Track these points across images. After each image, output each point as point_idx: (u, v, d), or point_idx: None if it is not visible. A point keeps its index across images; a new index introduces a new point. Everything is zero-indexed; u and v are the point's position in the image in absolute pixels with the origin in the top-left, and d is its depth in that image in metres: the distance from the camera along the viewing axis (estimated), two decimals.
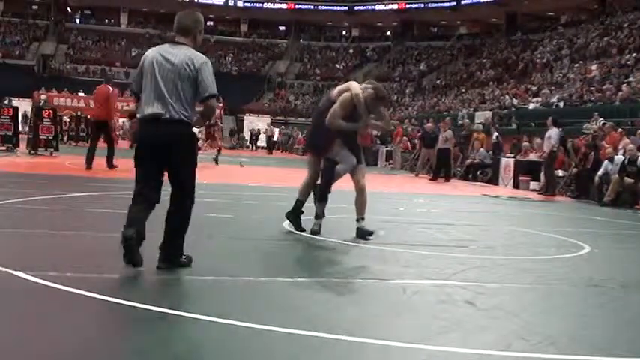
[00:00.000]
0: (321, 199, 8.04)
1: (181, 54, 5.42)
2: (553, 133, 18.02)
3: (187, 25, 5.59)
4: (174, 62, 5.38)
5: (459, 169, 24.33)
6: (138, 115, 5.60)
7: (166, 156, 5.40)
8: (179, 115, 5.35)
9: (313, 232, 7.90)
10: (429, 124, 25.45)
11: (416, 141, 27.55)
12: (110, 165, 16.10)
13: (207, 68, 5.43)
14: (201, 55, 5.50)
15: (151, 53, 5.58)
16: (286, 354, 3.74)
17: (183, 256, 5.57)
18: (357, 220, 8.03)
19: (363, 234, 7.87)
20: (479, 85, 45.22)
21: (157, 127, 5.38)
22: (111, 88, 16.84)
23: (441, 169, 22.57)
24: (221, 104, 23.90)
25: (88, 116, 36.63)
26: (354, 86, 7.99)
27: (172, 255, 5.49)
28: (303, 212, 8.19)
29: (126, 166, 17.86)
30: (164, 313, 4.28)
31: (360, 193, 8.08)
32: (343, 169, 7.96)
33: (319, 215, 8.01)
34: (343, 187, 8.18)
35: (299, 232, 8.02)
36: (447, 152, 22.59)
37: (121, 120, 37.02)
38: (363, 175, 8.14)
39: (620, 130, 19.40)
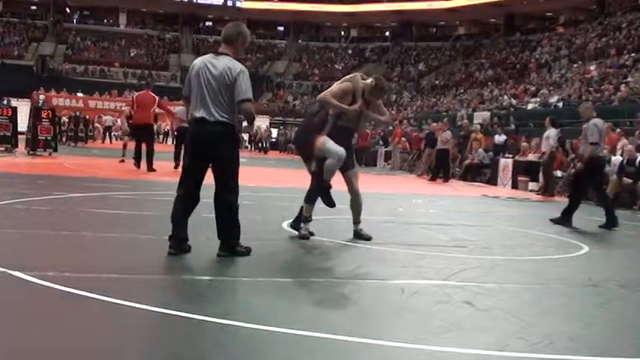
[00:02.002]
0: (309, 200, 7.78)
1: (222, 64, 6.11)
2: (552, 133, 18.02)
3: (231, 35, 6.31)
4: (216, 72, 6.08)
5: (457, 169, 24.34)
6: (189, 118, 6.39)
7: (209, 152, 6.11)
8: (221, 117, 6.06)
9: (302, 238, 7.63)
10: (434, 124, 25.70)
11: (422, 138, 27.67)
12: (150, 168, 16.84)
13: (244, 76, 6.08)
14: (240, 64, 6.17)
15: (198, 62, 6.27)
16: (284, 354, 3.74)
17: (243, 246, 6.24)
18: (355, 224, 7.99)
19: (362, 238, 7.83)
20: (477, 85, 45.23)
21: (202, 127, 6.09)
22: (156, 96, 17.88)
23: (440, 170, 22.63)
24: None
25: (87, 117, 36.76)
26: (356, 76, 8.02)
27: (229, 244, 6.15)
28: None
29: (124, 167, 17.98)
30: (163, 313, 4.28)
31: (354, 196, 7.96)
32: (332, 163, 7.59)
33: (307, 219, 7.74)
34: (343, 187, 8.17)
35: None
36: (445, 153, 22.64)
37: (118, 120, 37.13)
38: (356, 177, 7.99)
39: (618, 130, 19.40)
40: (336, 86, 7.98)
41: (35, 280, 4.83)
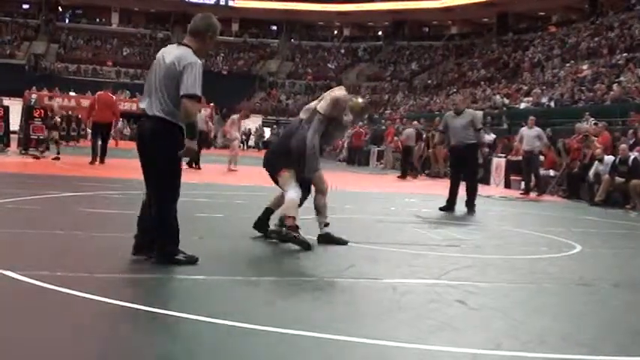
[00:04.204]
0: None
1: (175, 52, 5.59)
2: (541, 131, 18.01)
3: (199, 26, 5.78)
4: (167, 61, 5.56)
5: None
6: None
7: (142, 147, 5.67)
8: (158, 112, 5.53)
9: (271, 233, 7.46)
10: (415, 123, 26.65)
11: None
12: (102, 161, 17.95)
13: (192, 69, 5.47)
14: (194, 56, 5.57)
15: (159, 52, 5.84)
16: (276, 354, 3.73)
17: (184, 254, 5.66)
18: (326, 225, 7.54)
19: (335, 242, 7.45)
20: (470, 84, 45.23)
21: (143, 121, 5.69)
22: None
23: (407, 167, 23.59)
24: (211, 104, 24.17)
25: (79, 116, 36.65)
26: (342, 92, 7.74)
27: (159, 250, 5.59)
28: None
29: (117, 165, 17.95)
30: (156, 313, 4.28)
31: (320, 193, 7.62)
32: (291, 199, 7.24)
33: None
34: (335, 187, 8.16)
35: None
36: (409, 150, 23.69)
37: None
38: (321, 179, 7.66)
39: (616, 133, 19.41)
40: (338, 95, 7.71)
41: (28, 279, 4.82)
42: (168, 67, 5.52)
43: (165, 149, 5.57)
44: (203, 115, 20.10)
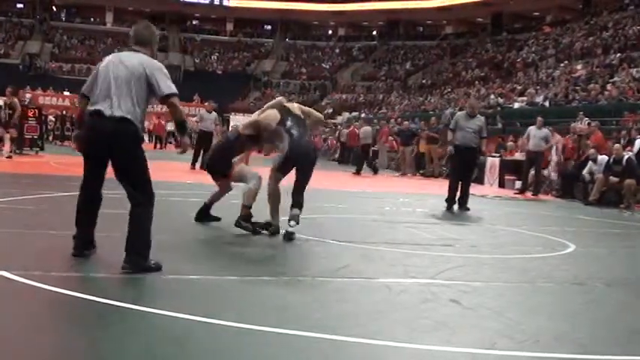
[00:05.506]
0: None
1: (137, 58, 5.62)
2: (549, 133, 18.02)
3: (144, 35, 5.85)
4: (129, 65, 5.55)
5: (444, 169, 24.38)
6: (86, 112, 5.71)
7: (107, 150, 5.53)
8: (123, 112, 5.44)
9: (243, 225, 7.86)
10: (405, 122, 27.34)
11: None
12: None
13: (163, 72, 5.59)
14: (156, 61, 5.70)
15: (110, 57, 5.80)
16: (271, 353, 3.73)
17: (152, 262, 5.43)
18: (248, 208, 7.89)
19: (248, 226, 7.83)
20: (465, 84, 45.31)
21: (99, 122, 5.49)
22: None
23: (364, 163, 24.35)
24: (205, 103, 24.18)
25: (74, 115, 36.56)
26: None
27: (132, 256, 5.37)
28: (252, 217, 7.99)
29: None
30: (150, 312, 4.27)
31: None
32: (255, 185, 7.94)
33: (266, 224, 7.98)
34: (329, 186, 8.16)
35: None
36: (366, 147, 24.91)
37: None
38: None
39: (613, 133, 19.43)
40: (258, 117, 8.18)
41: (21, 279, 4.81)
42: (133, 71, 5.52)
43: (136, 148, 5.59)
44: (214, 116, 19.94)
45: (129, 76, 5.51)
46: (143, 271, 5.33)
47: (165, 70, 5.65)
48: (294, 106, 8.11)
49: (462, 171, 12.93)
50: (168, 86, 5.55)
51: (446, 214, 12.02)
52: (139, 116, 5.54)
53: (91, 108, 5.58)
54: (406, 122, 27.19)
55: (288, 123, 7.74)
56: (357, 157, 25.48)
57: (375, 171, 24.15)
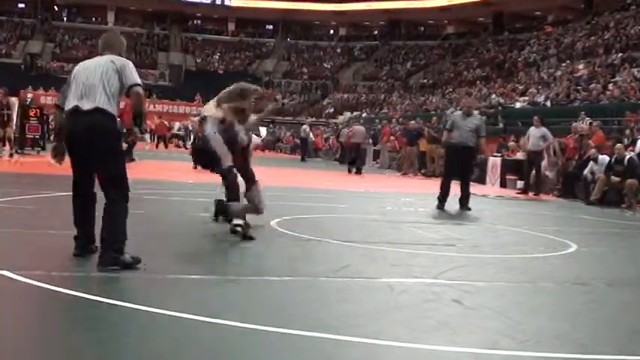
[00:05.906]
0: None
1: (106, 57, 5.81)
2: (546, 132, 18.00)
3: (113, 40, 6.08)
4: (100, 62, 5.74)
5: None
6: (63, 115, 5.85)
7: (88, 146, 5.62)
8: (99, 104, 5.53)
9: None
10: (412, 122, 27.12)
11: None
12: None
13: (131, 66, 5.73)
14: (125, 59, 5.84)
15: (76, 67, 5.95)
16: (275, 353, 3.73)
17: (127, 255, 5.43)
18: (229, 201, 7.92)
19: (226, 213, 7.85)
20: (466, 84, 45.26)
21: (76, 118, 5.60)
22: None
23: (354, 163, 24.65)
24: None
25: None
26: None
27: (107, 252, 5.39)
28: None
29: None
30: (154, 312, 4.27)
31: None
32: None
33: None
34: (330, 186, 8.16)
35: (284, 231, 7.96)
36: (355, 146, 25.28)
37: None
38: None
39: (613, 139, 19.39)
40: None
41: (23, 279, 4.81)
42: (105, 67, 5.65)
43: (117, 144, 5.76)
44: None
45: (100, 73, 5.63)
46: (119, 266, 5.34)
47: (132, 65, 5.77)
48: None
49: (459, 170, 12.92)
50: (134, 77, 5.68)
51: (447, 214, 12.01)
52: (115, 109, 5.65)
53: (68, 107, 5.69)
54: (412, 122, 27.01)
55: None
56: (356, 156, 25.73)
57: (358, 171, 24.18)
